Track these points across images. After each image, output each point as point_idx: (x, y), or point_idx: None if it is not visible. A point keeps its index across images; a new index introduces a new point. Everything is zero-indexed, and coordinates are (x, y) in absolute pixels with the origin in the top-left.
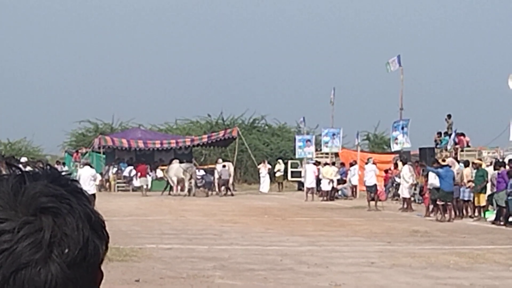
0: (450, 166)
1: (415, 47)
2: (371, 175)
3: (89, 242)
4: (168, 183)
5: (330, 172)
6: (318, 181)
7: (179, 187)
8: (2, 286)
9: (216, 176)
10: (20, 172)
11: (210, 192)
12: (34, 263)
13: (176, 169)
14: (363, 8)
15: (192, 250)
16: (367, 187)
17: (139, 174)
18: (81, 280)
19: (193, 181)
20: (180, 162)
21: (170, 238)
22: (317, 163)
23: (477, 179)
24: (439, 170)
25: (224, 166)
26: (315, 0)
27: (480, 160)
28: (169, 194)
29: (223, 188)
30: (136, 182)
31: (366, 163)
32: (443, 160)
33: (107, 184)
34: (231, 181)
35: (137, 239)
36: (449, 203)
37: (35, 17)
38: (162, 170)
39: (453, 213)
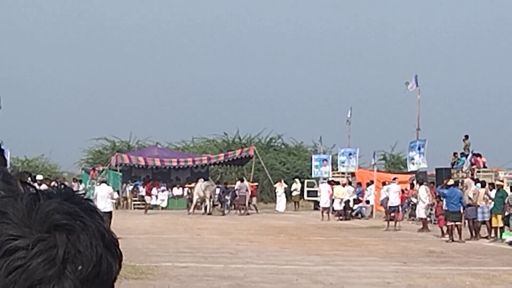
0: (455, 186)
1: (433, 67)
2: (396, 196)
3: (103, 259)
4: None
5: (342, 192)
6: (333, 200)
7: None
8: None
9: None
10: (34, 190)
11: (227, 211)
12: (48, 280)
13: (198, 187)
14: (381, 28)
15: (208, 269)
16: (389, 207)
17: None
18: None
19: (212, 200)
20: (205, 180)
21: (186, 257)
22: (332, 183)
23: (497, 200)
24: (444, 191)
25: (242, 181)
26: (332, 20)
27: (502, 181)
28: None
29: (246, 205)
30: (152, 200)
31: (383, 184)
32: (448, 181)
33: (124, 202)
34: (248, 198)
35: (153, 257)
36: (457, 223)
37: (53, 35)
38: (191, 188)
39: (468, 233)
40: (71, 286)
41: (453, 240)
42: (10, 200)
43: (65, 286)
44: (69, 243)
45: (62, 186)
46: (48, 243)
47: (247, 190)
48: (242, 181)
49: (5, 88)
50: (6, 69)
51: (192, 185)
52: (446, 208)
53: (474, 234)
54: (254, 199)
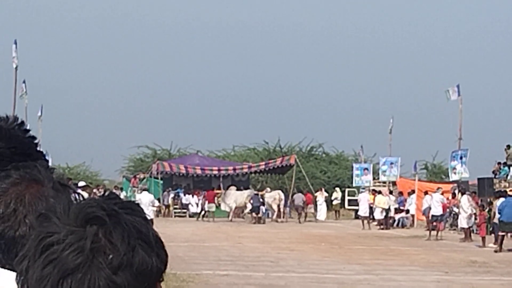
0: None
1: (475, 76)
2: (439, 205)
3: (136, 251)
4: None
5: (383, 201)
6: (372, 209)
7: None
8: None
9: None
10: (73, 192)
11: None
12: (77, 269)
13: (236, 195)
14: (423, 37)
15: (249, 277)
16: (432, 216)
17: (207, 200)
18: (128, 287)
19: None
20: (238, 189)
21: (227, 265)
22: (374, 192)
23: None
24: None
25: (301, 192)
26: (374, 29)
27: None
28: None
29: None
30: (193, 208)
31: (425, 193)
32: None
33: (165, 209)
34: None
35: (194, 265)
36: (503, 234)
37: (95, 44)
38: (218, 195)
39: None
40: (101, 274)
41: (501, 251)
42: (53, 203)
43: (95, 274)
44: (100, 234)
45: (107, 192)
46: (78, 235)
47: (303, 201)
48: (300, 191)
49: (47, 95)
50: (48, 77)
51: (220, 191)
52: (501, 219)
53: None
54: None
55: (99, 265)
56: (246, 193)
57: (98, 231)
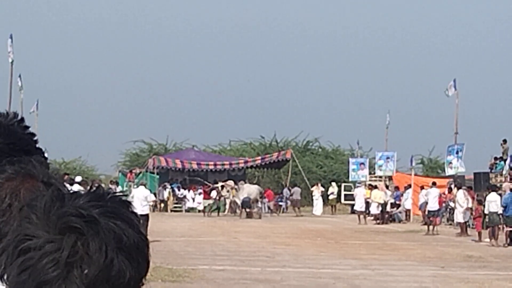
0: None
1: (471, 71)
2: (435, 200)
3: (113, 264)
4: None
5: (379, 196)
6: (368, 204)
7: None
8: None
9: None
10: (55, 191)
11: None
12: (52, 281)
13: (249, 190)
14: (419, 32)
15: (245, 272)
16: (429, 211)
17: (202, 195)
18: None
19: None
20: (235, 183)
21: (223, 260)
22: (370, 186)
23: None
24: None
25: (296, 185)
26: (370, 23)
27: None
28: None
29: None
30: (189, 203)
31: (421, 188)
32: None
33: (160, 204)
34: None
35: (190, 260)
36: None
37: (89, 38)
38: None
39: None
40: None
41: (509, 245)
42: (34, 200)
43: None
44: (77, 246)
45: (95, 186)
46: (56, 245)
47: (301, 194)
48: (296, 185)
49: (43, 90)
50: (44, 72)
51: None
52: (508, 214)
53: None
54: (272, 203)
55: (74, 279)
56: (256, 187)
57: (76, 242)
